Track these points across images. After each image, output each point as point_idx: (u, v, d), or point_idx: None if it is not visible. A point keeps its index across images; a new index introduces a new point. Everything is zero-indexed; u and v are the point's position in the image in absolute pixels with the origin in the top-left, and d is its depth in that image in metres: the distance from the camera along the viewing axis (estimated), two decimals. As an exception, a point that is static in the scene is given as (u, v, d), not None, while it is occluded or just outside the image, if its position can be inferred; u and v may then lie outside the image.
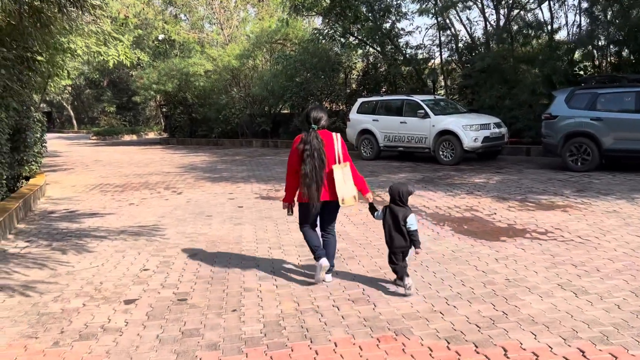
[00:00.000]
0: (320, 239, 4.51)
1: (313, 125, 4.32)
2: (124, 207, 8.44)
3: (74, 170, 13.92)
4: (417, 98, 13.39)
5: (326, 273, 4.44)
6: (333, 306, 3.98)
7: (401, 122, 13.30)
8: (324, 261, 4.34)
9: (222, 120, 21.70)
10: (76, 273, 5.01)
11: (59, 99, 40.91)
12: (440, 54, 17.24)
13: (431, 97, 14.16)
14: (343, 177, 4.29)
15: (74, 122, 40.88)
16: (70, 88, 38.92)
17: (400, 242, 4.13)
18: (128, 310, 4.05)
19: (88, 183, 11.38)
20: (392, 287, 4.33)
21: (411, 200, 8.06)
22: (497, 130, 12.50)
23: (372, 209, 4.46)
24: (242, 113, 21.13)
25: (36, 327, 3.76)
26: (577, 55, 14.57)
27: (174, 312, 3.97)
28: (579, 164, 10.49)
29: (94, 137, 30.40)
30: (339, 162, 4.33)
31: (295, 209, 4.59)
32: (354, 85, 20.54)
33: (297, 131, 20.15)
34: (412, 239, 4.12)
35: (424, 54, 17.73)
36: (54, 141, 28.43)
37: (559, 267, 4.74)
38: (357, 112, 14.57)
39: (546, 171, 10.79)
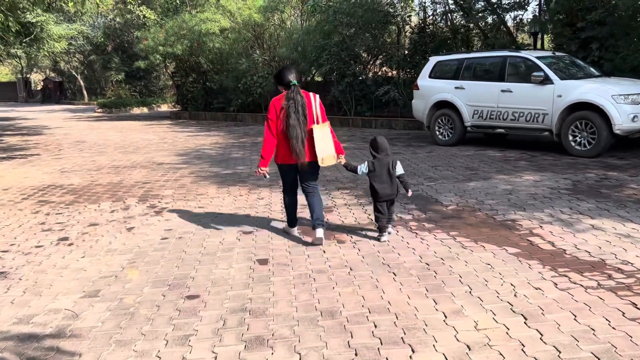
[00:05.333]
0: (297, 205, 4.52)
1: (293, 82, 4.19)
2: (43, 250, 4.40)
3: (36, 158, 9.97)
4: (530, 55, 8.90)
5: (317, 229, 4.26)
6: None
7: (503, 91, 8.87)
8: (295, 230, 4.50)
9: (242, 90, 17.50)
10: None
11: (67, 68, 37.19)
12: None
13: (548, 53, 9.62)
14: (322, 136, 4.20)
15: (85, 92, 36.99)
16: (81, 56, 35.07)
17: (393, 189, 4.27)
18: None
19: (32, 183, 7.40)
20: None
21: (622, 264, 3.56)
22: (661, 103, 8.01)
23: (349, 167, 4.43)
24: (267, 81, 16.80)
25: None
26: None
27: None
28: None
29: (99, 110, 26.50)
30: (318, 123, 4.23)
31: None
32: (406, 45, 15.96)
33: (337, 104, 15.89)
34: (402, 182, 4.37)
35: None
36: (55, 114, 24.70)
37: None
38: (430, 76, 10.18)
39: None
